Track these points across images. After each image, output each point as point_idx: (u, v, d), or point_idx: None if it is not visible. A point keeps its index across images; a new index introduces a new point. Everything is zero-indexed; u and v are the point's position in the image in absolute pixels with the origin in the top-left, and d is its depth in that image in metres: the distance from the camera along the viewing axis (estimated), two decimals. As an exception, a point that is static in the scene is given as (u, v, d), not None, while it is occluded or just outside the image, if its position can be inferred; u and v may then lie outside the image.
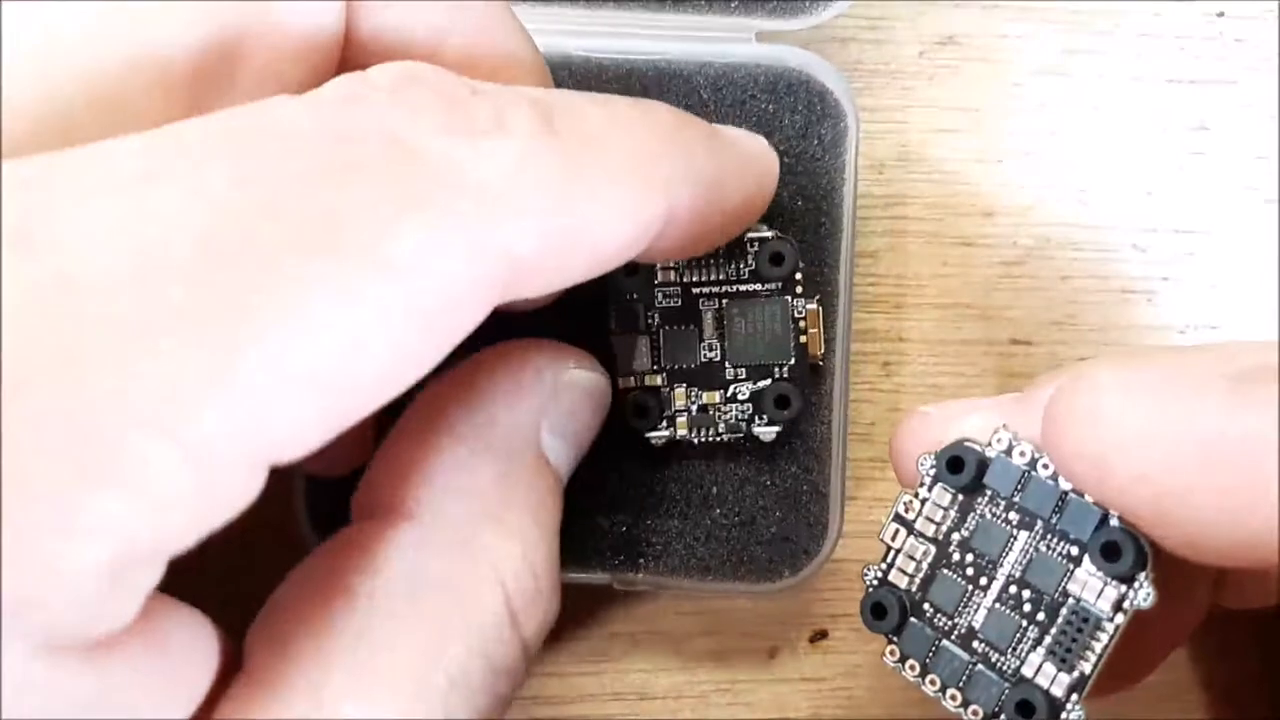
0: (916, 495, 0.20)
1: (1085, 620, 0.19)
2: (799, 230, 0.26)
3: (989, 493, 0.20)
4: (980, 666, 0.20)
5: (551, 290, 0.18)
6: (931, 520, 0.20)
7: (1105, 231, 0.29)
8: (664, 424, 0.25)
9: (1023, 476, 0.19)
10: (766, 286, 0.25)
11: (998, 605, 0.19)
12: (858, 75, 0.29)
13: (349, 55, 0.20)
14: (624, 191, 0.18)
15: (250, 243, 0.15)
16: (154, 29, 0.18)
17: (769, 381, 0.25)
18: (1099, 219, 0.29)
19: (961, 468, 0.20)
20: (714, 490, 0.26)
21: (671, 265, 0.25)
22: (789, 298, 0.25)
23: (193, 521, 0.15)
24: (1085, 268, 0.29)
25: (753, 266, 0.25)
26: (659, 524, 0.26)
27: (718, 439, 0.25)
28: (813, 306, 0.25)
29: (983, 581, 0.20)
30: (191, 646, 0.17)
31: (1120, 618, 0.18)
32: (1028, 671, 0.19)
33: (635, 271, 0.25)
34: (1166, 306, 0.29)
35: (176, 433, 0.14)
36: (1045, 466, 0.19)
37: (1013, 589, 0.19)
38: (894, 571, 0.21)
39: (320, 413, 0.15)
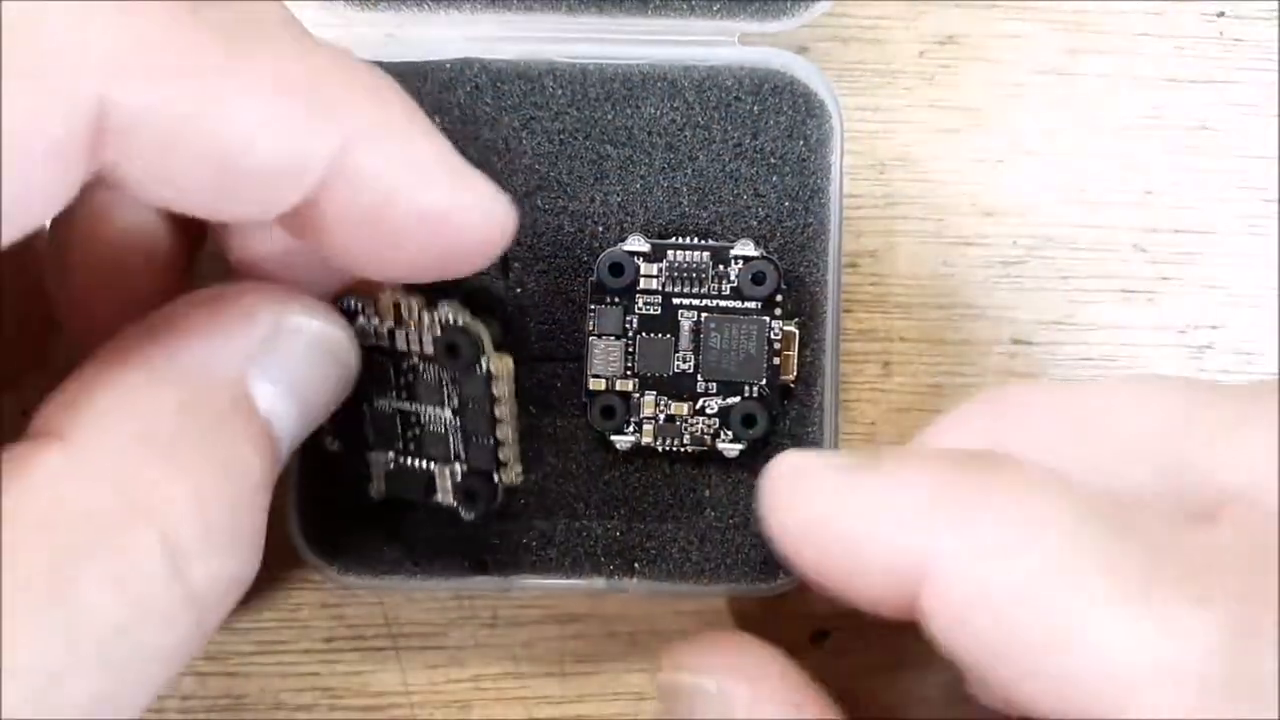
0: None
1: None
2: (785, 231, 0.26)
3: None
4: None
5: (173, 194, 0.17)
6: None
7: (1105, 231, 0.29)
8: (630, 429, 0.25)
9: None
10: (746, 304, 0.25)
11: None
12: (858, 75, 0.29)
13: None
14: (280, 94, 0.17)
15: None
16: None
17: (738, 399, 0.25)
18: (1099, 219, 0.29)
19: None
20: (706, 493, 0.26)
21: (655, 274, 0.25)
22: (767, 318, 0.25)
23: None
24: (1085, 268, 0.29)
25: (735, 283, 0.25)
26: (652, 528, 0.26)
27: (682, 450, 0.25)
28: (790, 329, 0.25)
29: None
30: None
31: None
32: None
33: (621, 273, 0.25)
34: (1166, 306, 0.29)
35: None
36: None
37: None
38: None
39: None
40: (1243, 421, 0.20)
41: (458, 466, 0.24)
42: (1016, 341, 0.29)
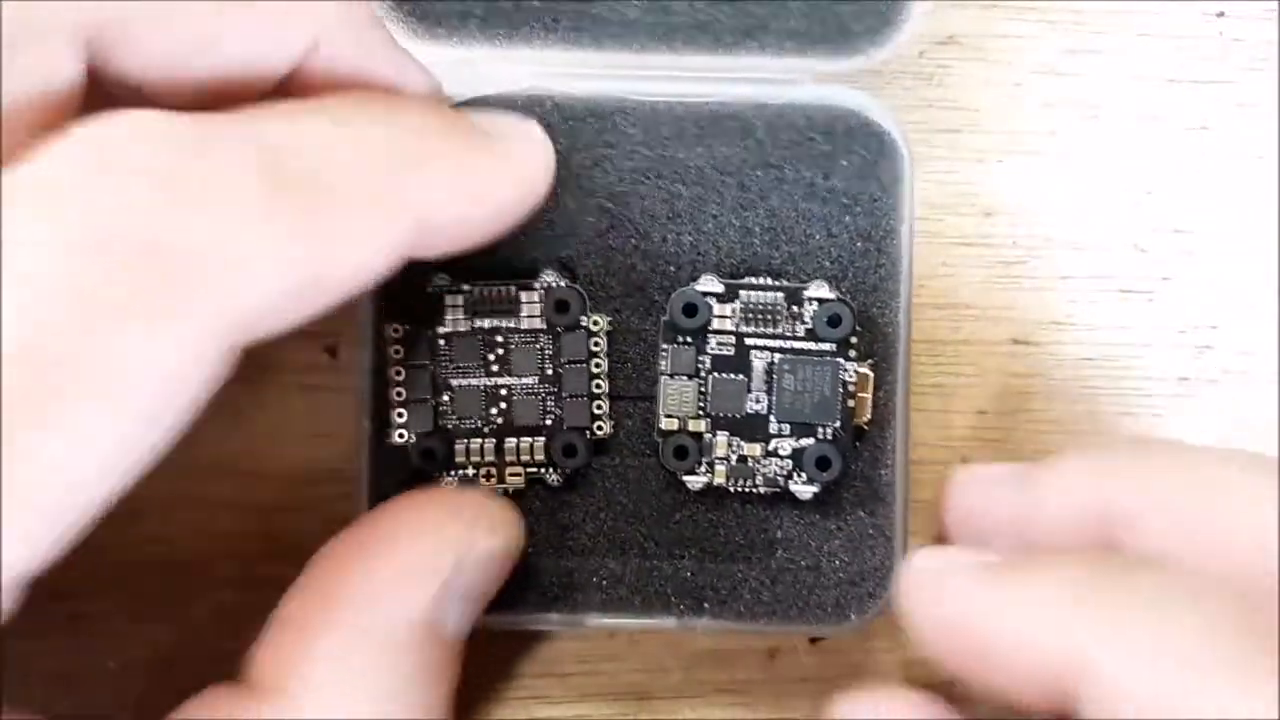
0: None
1: None
2: (858, 272, 0.26)
3: None
4: None
5: (300, 322, 0.19)
6: None
7: (1105, 231, 0.29)
8: (702, 469, 0.25)
9: None
10: (821, 346, 0.25)
11: None
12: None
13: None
14: (362, 226, 0.19)
15: None
16: None
17: (812, 441, 0.25)
18: (1099, 218, 0.29)
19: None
20: (778, 534, 0.26)
21: (728, 314, 0.25)
22: (842, 359, 0.25)
23: None
24: (1085, 268, 0.29)
25: (809, 325, 0.25)
26: (723, 568, 0.26)
27: (754, 490, 0.25)
28: (864, 370, 0.25)
29: None
30: None
31: None
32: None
33: (694, 313, 0.25)
34: (1166, 306, 0.29)
35: None
36: None
37: None
38: None
39: (55, 520, 0.17)
40: None
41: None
42: (1016, 341, 0.29)
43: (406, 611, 0.21)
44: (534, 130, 0.23)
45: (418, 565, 0.22)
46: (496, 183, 0.22)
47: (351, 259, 0.19)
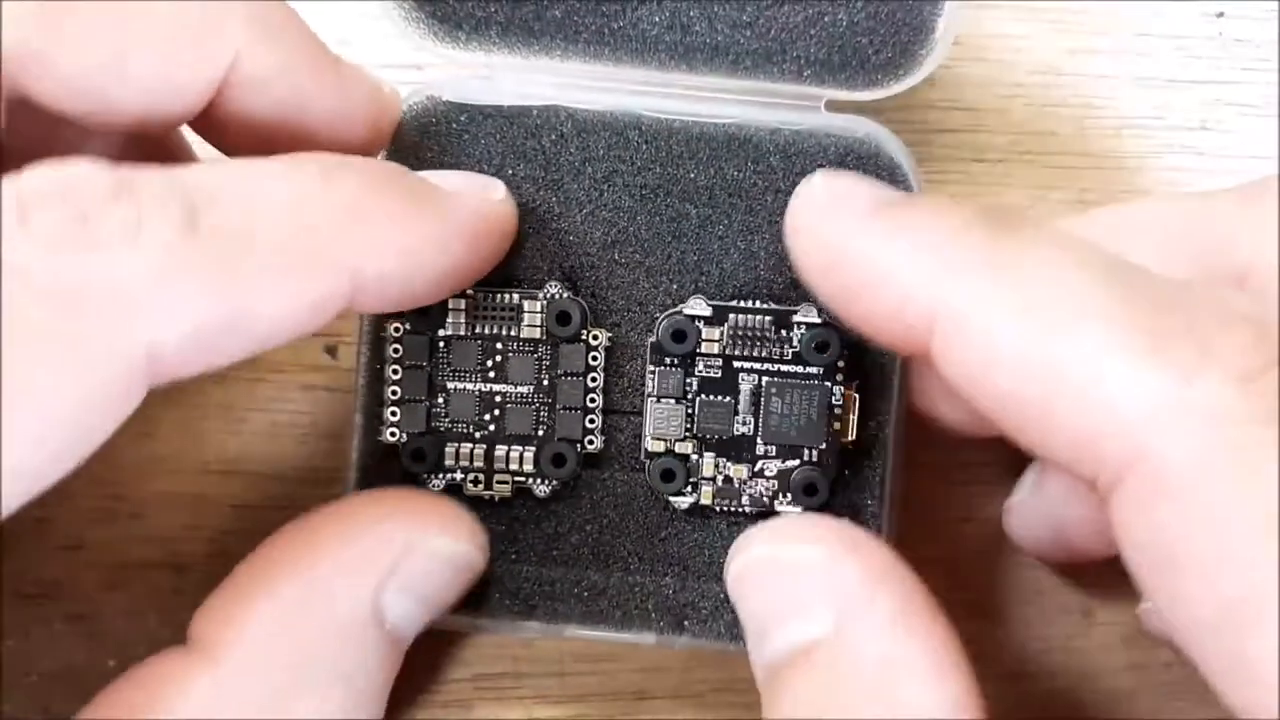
0: None
1: None
2: None
3: None
4: None
5: (222, 366, 0.19)
6: None
7: (1105, 231, 0.29)
8: (689, 489, 0.25)
9: None
10: (808, 370, 0.25)
11: None
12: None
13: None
14: (284, 279, 0.19)
15: None
16: None
17: (798, 462, 0.25)
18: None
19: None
20: None
21: (716, 338, 0.25)
22: (829, 384, 0.25)
23: None
24: (1085, 268, 0.29)
25: (796, 349, 0.25)
26: (705, 587, 0.26)
27: (740, 511, 0.25)
28: (851, 393, 0.25)
29: None
30: None
31: None
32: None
33: (683, 340, 0.25)
34: (1166, 306, 0.29)
35: None
36: None
37: None
38: None
39: None
40: (1248, 204, 0.21)
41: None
42: (1016, 341, 0.29)
43: (345, 594, 0.22)
44: (491, 188, 0.24)
45: (362, 553, 0.22)
46: (437, 242, 0.22)
47: (272, 309, 0.19)
